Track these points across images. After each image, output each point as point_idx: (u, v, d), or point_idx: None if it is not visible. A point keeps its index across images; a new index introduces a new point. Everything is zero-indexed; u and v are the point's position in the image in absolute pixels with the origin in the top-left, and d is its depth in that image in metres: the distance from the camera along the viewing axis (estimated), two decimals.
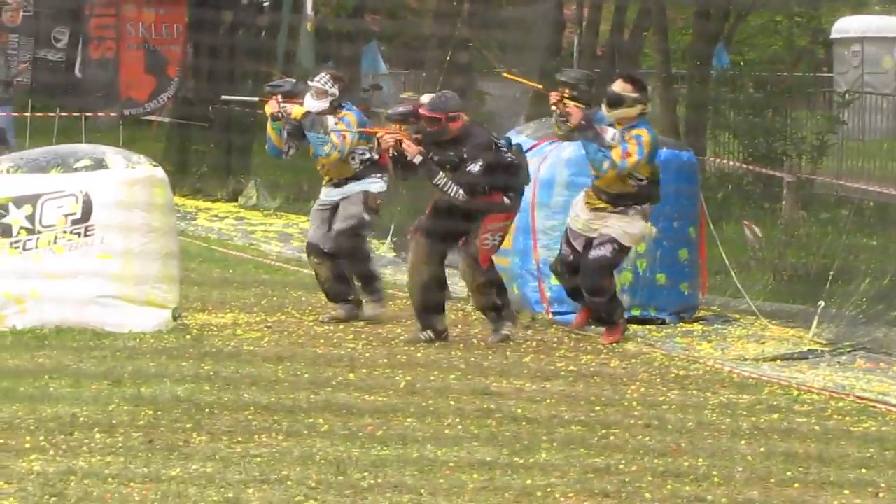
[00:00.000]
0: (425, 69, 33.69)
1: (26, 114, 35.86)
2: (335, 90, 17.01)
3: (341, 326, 17.66)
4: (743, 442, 12.26)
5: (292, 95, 17.41)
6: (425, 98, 19.17)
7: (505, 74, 20.31)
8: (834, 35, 39.17)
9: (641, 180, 12.77)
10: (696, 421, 12.92)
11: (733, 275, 20.61)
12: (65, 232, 17.39)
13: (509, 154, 14.61)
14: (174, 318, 17.58)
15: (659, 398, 13.67)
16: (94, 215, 17.48)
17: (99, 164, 17.91)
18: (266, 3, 37.61)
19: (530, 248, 19.29)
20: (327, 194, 18.41)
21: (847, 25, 39.73)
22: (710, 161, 24.26)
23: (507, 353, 15.98)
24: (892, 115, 36.80)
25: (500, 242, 15.08)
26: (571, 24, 32.85)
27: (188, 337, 17.17)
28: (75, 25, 39.70)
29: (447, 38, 32.31)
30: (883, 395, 15.31)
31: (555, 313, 18.97)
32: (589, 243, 13.27)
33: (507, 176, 14.65)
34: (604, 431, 12.46)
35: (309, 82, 18.14)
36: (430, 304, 14.98)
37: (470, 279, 14.72)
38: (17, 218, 17.38)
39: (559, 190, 19.11)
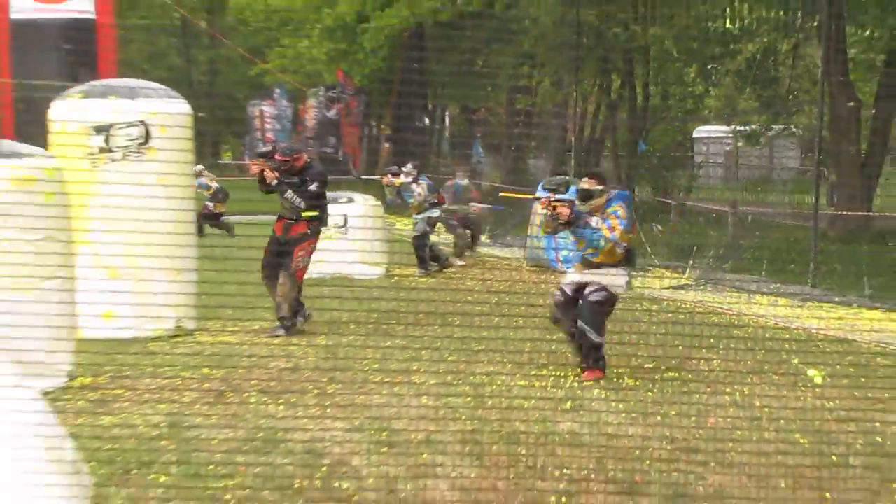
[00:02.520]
0: (500, 153, 33.53)
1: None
2: None
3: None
4: (654, 327, 12.00)
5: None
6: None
7: (502, 195, 18.13)
8: (695, 135, 38.81)
9: (626, 247, 10.44)
10: (628, 314, 12.63)
11: (648, 249, 20.43)
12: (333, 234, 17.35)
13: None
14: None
15: (616, 308, 13.36)
16: (350, 227, 17.46)
17: (350, 200, 17.88)
18: (427, 122, 37.36)
19: (552, 239, 19.23)
20: None
21: (700, 131, 39.70)
22: (638, 194, 24.00)
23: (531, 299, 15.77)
24: (724, 173, 36.67)
25: (308, 263, 12.66)
26: (569, 131, 32.52)
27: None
28: (337, 135, 39.26)
29: (506, 138, 32.36)
30: (719, 304, 15.22)
31: (564, 264, 18.84)
32: (579, 287, 10.37)
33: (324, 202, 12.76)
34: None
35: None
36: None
37: (287, 289, 12.27)
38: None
39: None
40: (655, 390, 9.61)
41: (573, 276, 10.49)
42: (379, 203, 18.42)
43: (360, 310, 12.71)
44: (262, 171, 12.37)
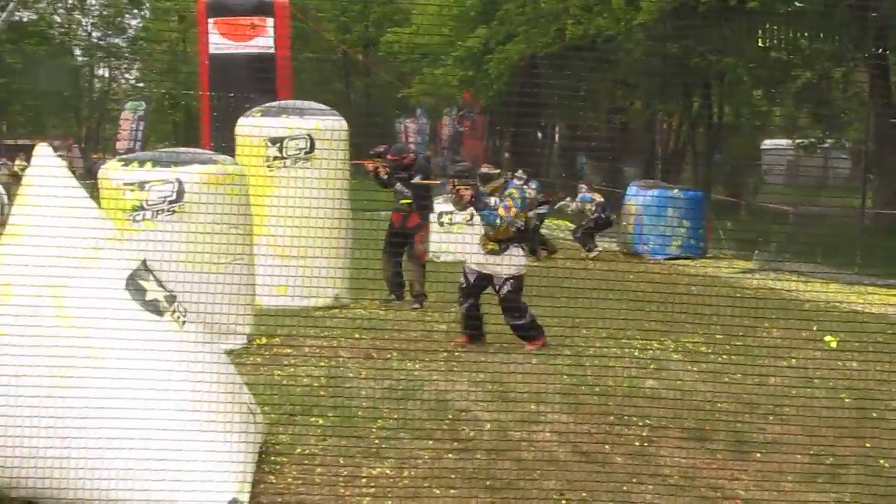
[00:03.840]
0: (599, 162, 33.20)
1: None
2: None
3: None
4: (714, 298, 11.49)
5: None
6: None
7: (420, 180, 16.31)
8: (762, 147, 37.75)
9: (520, 227, 9.79)
10: (702, 292, 12.38)
11: (722, 234, 20.18)
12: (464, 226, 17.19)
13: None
14: None
15: (692, 288, 13.09)
16: (476, 220, 17.26)
17: None
18: (539, 135, 36.90)
19: (639, 230, 19.06)
20: None
21: (766, 144, 38.50)
22: (710, 196, 23.61)
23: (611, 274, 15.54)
24: (786, 178, 35.78)
25: (427, 246, 12.53)
26: (657, 144, 32.03)
27: None
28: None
29: (604, 150, 32.06)
30: (777, 285, 14.93)
31: (650, 253, 18.59)
32: (481, 277, 9.80)
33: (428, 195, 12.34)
34: (669, 295, 10.96)
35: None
36: (395, 280, 12.37)
37: (416, 272, 12.08)
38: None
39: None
40: (724, 356, 9.44)
41: (478, 259, 9.85)
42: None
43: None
44: (377, 167, 12.21)
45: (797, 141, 31.68)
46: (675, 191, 20.20)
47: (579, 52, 26.88)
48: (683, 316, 10.30)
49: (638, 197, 19.51)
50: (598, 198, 19.26)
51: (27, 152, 5.54)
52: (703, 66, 25.65)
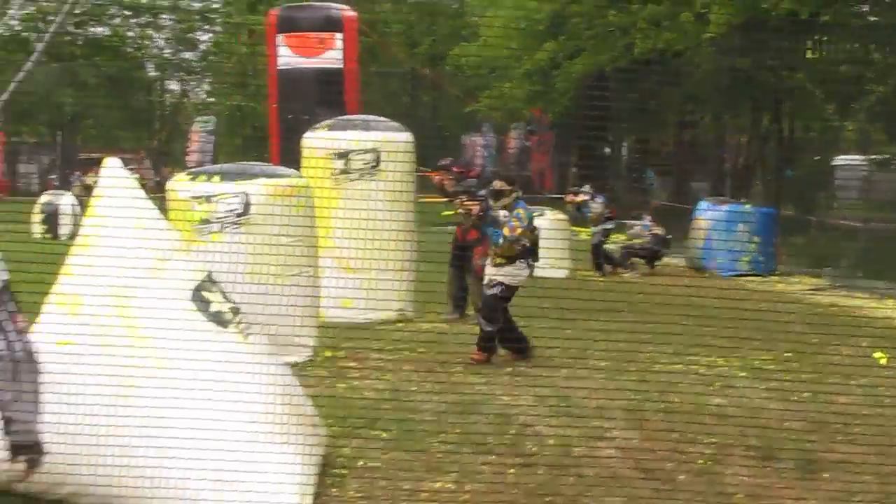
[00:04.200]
0: (668, 177, 32.93)
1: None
2: None
3: None
4: (783, 316, 11.36)
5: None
6: None
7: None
8: (835, 163, 37.14)
9: (526, 244, 9.76)
10: (773, 308, 12.13)
11: (784, 257, 19.94)
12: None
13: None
14: None
15: (761, 303, 12.80)
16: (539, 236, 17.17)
17: (541, 214, 17.61)
18: (607, 151, 36.69)
19: (710, 246, 18.86)
20: None
21: (839, 159, 37.79)
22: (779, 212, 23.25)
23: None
24: (859, 194, 35.18)
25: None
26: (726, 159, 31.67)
27: None
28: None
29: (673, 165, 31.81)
30: (847, 302, 14.67)
31: (719, 269, 18.26)
32: None
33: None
34: (737, 312, 11.04)
35: None
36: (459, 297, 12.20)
37: (474, 286, 11.63)
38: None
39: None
40: (793, 374, 9.30)
41: (489, 272, 9.93)
42: (565, 217, 18.21)
43: (548, 297, 12.62)
44: (442, 179, 12.28)
45: (871, 157, 31.22)
46: (748, 206, 20.01)
47: (648, 66, 26.75)
48: (751, 333, 10.18)
49: (708, 212, 19.32)
50: (658, 230, 18.93)
51: (100, 165, 5.70)
52: (773, 80, 25.38)
